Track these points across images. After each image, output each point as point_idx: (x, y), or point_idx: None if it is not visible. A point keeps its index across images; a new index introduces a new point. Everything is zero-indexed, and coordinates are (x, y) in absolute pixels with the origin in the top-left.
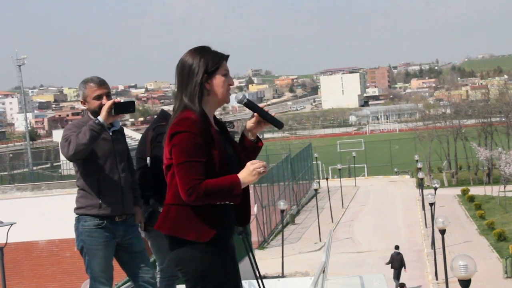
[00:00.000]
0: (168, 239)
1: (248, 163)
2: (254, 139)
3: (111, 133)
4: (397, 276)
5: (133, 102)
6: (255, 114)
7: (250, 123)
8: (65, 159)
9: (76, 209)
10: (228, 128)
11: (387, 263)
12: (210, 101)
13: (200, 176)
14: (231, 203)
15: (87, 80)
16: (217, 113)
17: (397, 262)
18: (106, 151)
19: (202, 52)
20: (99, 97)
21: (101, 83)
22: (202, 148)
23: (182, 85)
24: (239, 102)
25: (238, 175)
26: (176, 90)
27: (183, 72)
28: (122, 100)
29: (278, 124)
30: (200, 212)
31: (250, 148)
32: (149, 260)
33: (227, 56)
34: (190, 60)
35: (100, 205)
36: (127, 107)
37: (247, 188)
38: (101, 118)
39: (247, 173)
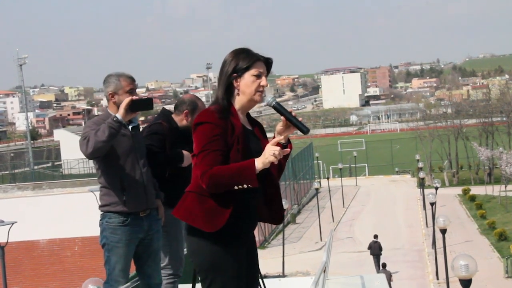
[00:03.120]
0: (185, 228)
1: (268, 144)
2: (284, 142)
3: (130, 129)
4: (377, 263)
5: (151, 99)
6: (282, 117)
7: (279, 127)
8: (66, 158)
9: (101, 206)
10: None
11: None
12: (241, 100)
13: (215, 163)
14: (252, 191)
15: (120, 74)
16: None
17: (375, 250)
18: (127, 147)
19: (236, 52)
20: (131, 92)
21: (133, 79)
22: (220, 138)
23: (219, 83)
24: (268, 104)
25: (255, 158)
26: None
27: (220, 70)
28: (139, 98)
29: (303, 129)
30: (214, 202)
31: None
32: (160, 259)
33: (266, 58)
34: (226, 60)
35: (124, 202)
36: (144, 104)
37: (277, 184)
38: (119, 115)
39: (262, 154)
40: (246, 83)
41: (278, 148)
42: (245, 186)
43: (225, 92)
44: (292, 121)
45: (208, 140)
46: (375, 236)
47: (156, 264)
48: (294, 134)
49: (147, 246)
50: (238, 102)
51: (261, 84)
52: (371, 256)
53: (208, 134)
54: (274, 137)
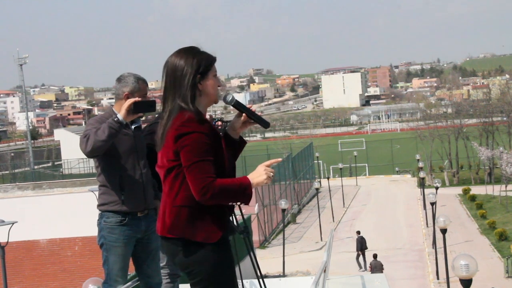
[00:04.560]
0: (176, 242)
1: (259, 165)
2: (237, 138)
3: (133, 130)
4: (362, 257)
5: (154, 101)
6: (243, 114)
7: (236, 123)
8: (66, 158)
9: (99, 205)
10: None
11: (357, 247)
12: (202, 101)
13: (213, 174)
14: (240, 204)
15: (139, 77)
16: (218, 112)
17: (363, 245)
18: (128, 147)
19: (193, 52)
20: (144, 96)
21: (147, 84)
22: (211, 148)
23: (175, 87)
24: (228, 103)
25: (248, 176)
26: (164, 92)
27: (175, 73)
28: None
29: (264, 124)
30: (208, 213)
31: (235, 146)
32: (159, 259)
33: (215, 58)
34: (182, 62)
35: (122, 202)
36: (147, 107)
37: None
38: (120, 116)
39: (257, 174)
40: (211, 84)
41: (273, 170)
42: (238, 203)
43: (191, 97)
44: (253, 118)
45: (199, 150)
46: (359, 232)
47: (155, 264)
48: (294, 134)
49: (146, 246)
50: (201, 104)
51: (218, 84)
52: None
53: (199, 144)
54: (226, 133)
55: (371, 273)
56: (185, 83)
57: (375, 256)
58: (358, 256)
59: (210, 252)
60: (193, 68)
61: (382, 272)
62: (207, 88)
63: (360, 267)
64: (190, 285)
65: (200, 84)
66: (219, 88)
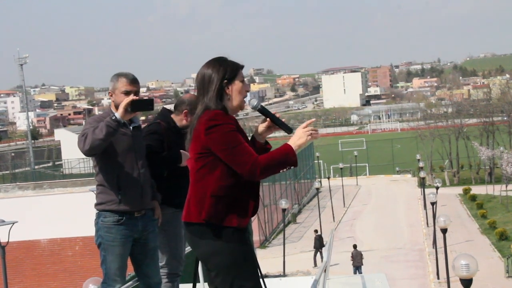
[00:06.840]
0: (199, 228)
1: (298, 129)
2: (263, 142)
3: (131, 129)
4: (320, 255)
5: (152, 100)
6: (267, 119)
7: (261, 127)
8: (67, 158)
9: (96, 205)
10: None
11: (315, 245)
12: (230, 105)
13: (253, 152)
14: (289, 168)
15: (121, 74)
16: None
17: (319, 243)
18: (126, 147)
19: (220, 60)
20: (127, 93)
21: (133, 81)
22: (239, 134)
23: (204, 92)
24: (254, 108)
25: (288, 142)
26: (196, 100)
27: (204, 81)
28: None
29: (288, 129)
30: (233, 202)
31: (260, 150)
32: (158, 259)
33: (243, 66)
34: (209, 70)
35: (119, 201)
36: (144, 105)
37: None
38: (117, 114)
39: (297, 137)
40: (237, 88)
41: (309, 128)
42: (286, 168)
43: (217, 99)
44: (277, 123)
45: (232, 138)
46: (316, 231)
47: (154, 264)
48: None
49: (143, 246)
50: (228, 107)
51: (246, 89)
52: (315, 251)
53: (230, 132)
54: (253, 137)
55: (352, 262)
56: (212, 88)
57: (355, 246)
58: (316, 253)
59: (232, 243)
60: (219, 75)
61: (361, 261)
62: (234, 92)
63: (316, 265)
64: (212, 278)
65: (227, 88)
66: (247, 92)
